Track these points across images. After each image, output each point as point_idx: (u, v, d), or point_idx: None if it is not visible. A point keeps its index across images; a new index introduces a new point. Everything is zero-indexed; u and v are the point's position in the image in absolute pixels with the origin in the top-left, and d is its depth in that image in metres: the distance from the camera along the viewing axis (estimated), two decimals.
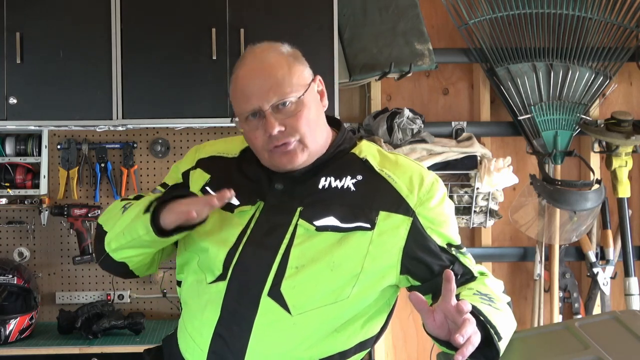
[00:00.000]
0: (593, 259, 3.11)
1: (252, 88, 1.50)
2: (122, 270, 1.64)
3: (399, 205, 1.49)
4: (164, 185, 1.69)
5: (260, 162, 1.58)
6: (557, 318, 3.05)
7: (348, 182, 1.52)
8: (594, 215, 3.02)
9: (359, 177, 1.53)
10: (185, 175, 1.66)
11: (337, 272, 1.45)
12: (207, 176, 1.61)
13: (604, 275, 3.09)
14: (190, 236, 1.56)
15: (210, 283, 1.50)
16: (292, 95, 1.49)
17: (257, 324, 1.44)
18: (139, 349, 2.70)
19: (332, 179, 1.52)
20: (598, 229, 3.16)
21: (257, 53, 1.55)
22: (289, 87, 1.49)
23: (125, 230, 1.53)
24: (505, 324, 1.41)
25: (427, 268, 1.50)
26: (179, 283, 1.64)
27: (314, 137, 1.52)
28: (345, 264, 1.46)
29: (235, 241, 1.50)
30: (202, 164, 1.64)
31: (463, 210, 3.01)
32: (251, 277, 1.46)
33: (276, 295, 1.44)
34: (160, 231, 1.47)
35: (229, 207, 1.53)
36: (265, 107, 1.48)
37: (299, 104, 1.50)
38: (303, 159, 1.52)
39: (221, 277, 1.48)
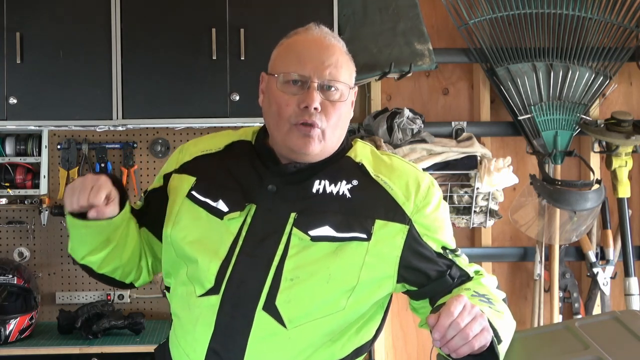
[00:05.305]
0: (593, 259, 3.11)
1: (311, 55, 1.48)
2: (96, 276, 1.62)
3: (395, 213, 1.47)
4: (146, 192, 1.67)
5: (249, 159, 1.54)
6: (557, 318, 3.05)
7: (343, 187, 1.48)
8: (594, 215, 3.02)
9: (355, 182, 1.49)
10: (167, 177, 1.62)
11: (333, 284, 1.43)
12: (192, 179, 1.56)
13: (604, 275, 3.09)
14: (178, 242, 1.52)
15: (200, 296, 1.45)
16: (342, 83, 1.49)
17: (252, 338, 1.41)
18: (139, 349, 2.74)
19: (327, 182, 1.49)
20: (598, 229, 3.16)
21: (322, 30, 1.54)
22: (342, 77, 1.49)
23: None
24: (506, 328, 1.41)
25: (423, 275, 1.49)
26: (167, 289, 1.60)
27: (334, 134, 1.50)
28: (341, 275, 1.43)
29: (227, 253, 1.46)
30: (187, 167, 1.60)
31: (463, 210, 3.01)
32: (246, 291, 1.42)
33: (271, 309, 1.41)
34: (79, 215, 1.48)
35: (217, 214, 1.49)
36: (315, 80, 1.46)
37: (341, 96, 1.49)
38: (317, 150, 1.48)
39: (213, 291, 1.44)
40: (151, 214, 1.62)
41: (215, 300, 1.43)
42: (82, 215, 1.48)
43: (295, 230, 1.45)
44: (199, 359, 1.44)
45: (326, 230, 1.44)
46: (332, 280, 1.42)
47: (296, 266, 1.43)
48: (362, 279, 1.44)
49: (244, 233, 1.47)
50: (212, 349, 1.43)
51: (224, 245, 1.47)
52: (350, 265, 1.44)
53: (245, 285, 1.43)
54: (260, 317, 1.41)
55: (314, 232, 1.44)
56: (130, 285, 1.67)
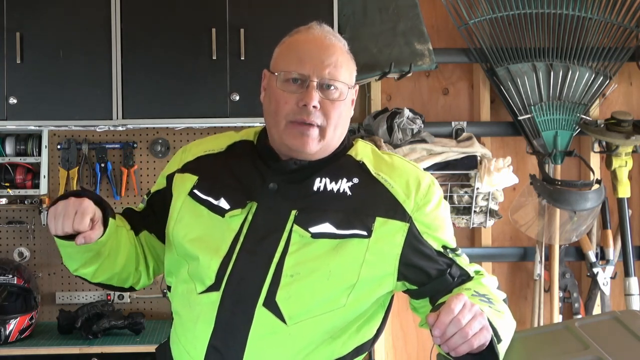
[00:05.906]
0: (593, 259, 3.11)
1: (311, 55, 1.49)
2: (93, 283, 1.67)
3: (396, 210, 1.47)
4: (148, 194, 1.67)
5: (251, 159, 1.55)
6: (557, 318, 3.05)
7: (344, 185, 1.49)
8: (594, 215, 3.02)
9: (355, 180, 1.50)
10: (170, 178, 1.62)
11: (333, 281, 1.43)
12: (194, 178, 1.57)
13: (604, 275, 3.09)
14: (179, 240, 1.53)
15: (201, 293, 1.46)
16: (341, 83, 1.49)
17: (253, 335, 1.41)
18: (139, 349, 2.74)
19: (328, 180, 1.50)
20: (598, 229, 3.16)
21: (324, 29, 1.55)
22: (342, 76, 1.50)
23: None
24: (506, 327, 1.41)
25: (424, 273, 1.50)
26: (168, 288, 1.60)
27: (334, 133, 1.50)
28: (341, 272, 1.43)
29: (228, 250, 1.46)
30: (190, 166, 1.61)
31: (463, 210, 3.01)
32: (246, 287, 1.43)
33: (271, 306, 1.42)
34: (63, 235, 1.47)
35: (219, 211, 1.50)
36: (314, 79, 1.47)
37: (341, 95, 1.50)
38: (316, 149, 1.49)
39: (213, 288, 1.45)
40: (154, 216, 1.63)
41: (216, 297, 1.44)
42: (68, 235, 1.47)
43: (295, 227, 1.45)
44: (199, 356, 1.45)
45: (326, 227, 1.45)
46: (332, 277, 1.43)
47: (296, 263, 1.43)
48: (362, 276, 1.44)
49: (245, 230, 1.47)
50: (213, 346, 1.43)
51: (225, 242, 1.47)
52: (350, 263, 1.44)
53: (246, 282, 1.43)
54: (261, 313, 1.42)
55: (314, 229, 1.45)
56: (130, 289, 1.68)
